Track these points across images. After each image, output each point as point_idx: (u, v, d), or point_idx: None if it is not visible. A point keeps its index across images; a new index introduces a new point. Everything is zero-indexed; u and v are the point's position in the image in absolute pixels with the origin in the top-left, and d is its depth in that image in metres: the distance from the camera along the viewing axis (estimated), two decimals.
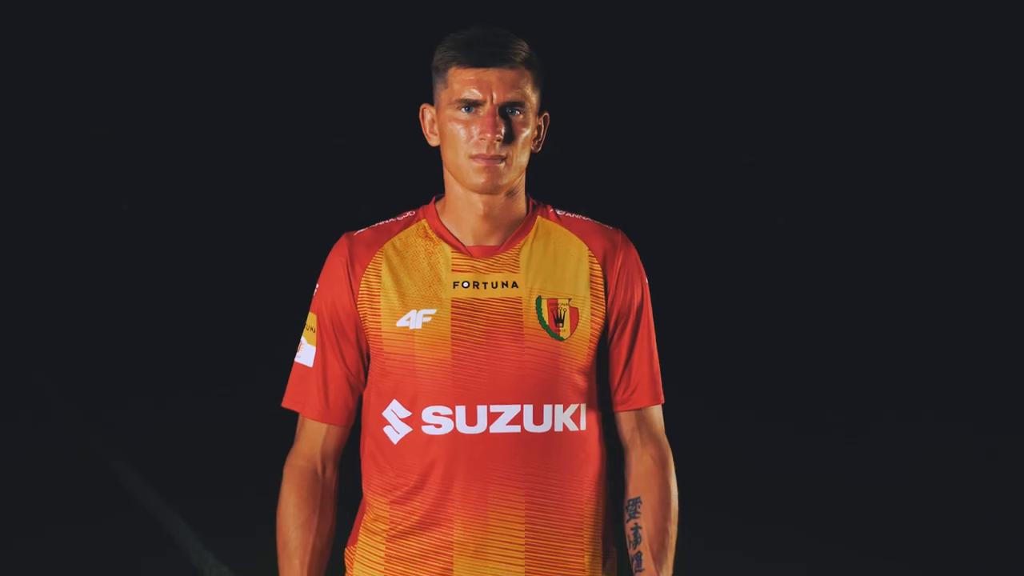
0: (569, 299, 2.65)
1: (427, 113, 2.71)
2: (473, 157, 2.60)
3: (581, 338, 2.64)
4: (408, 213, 2.74)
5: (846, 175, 28.13)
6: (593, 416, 2.68)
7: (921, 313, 22.98)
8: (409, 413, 2.61)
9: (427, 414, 2.59)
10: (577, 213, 2.77)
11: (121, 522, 9.42)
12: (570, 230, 2.71)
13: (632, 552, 2.69)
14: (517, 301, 2.62)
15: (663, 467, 2.72)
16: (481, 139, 2.59)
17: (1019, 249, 25.54)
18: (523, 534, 2.60)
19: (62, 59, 27.99)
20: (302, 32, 28.32)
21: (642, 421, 2.72)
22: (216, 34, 28.04)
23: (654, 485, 2.70)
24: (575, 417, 2.64)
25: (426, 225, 2.70)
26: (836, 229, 27.75)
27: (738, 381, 16.81)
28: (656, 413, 2.74)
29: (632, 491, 2.71)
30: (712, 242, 27.26)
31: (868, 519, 8.88)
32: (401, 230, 2.70)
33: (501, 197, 2.65)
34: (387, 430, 2.63)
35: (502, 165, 2.60)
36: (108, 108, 29.20)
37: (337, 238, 2.72)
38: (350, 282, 2.66)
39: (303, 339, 2.72)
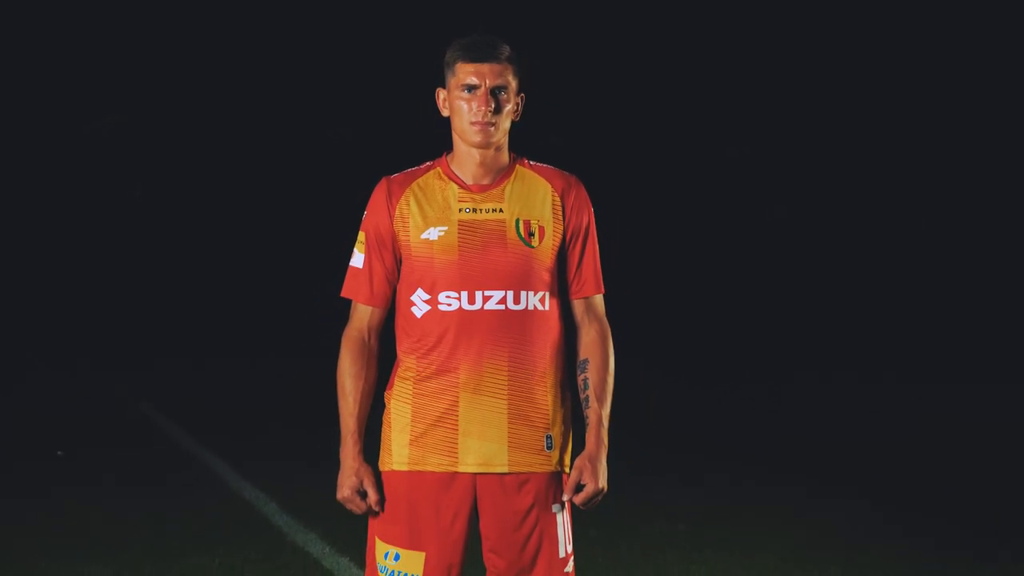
0: (538, 220, 3.87)
1: (440, 94, 3.92)
2: (473, 123, 3.82)
3: (546, 247, 3.86)
4: (428, 163, 3.96)
5: (817, 164, 28.87)
6: (555, 302, 3.90)
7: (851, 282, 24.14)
8: (429, 296, 3.83)
9: (441, 297, 3.81)
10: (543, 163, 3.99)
11: (155, 451, 10.69)
12: (538, 174, 3.94)
13: (583, 396, 3.91)
14: (502, 221, 3.84)
15: (604, 338, 3.94)
16: (478, 111, 3.81)
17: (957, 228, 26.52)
18: (506, 379, 3.81)
19: (75, 48, 28.56)
20: (311, 24, 29.00)
21: (589, 306, 3.95)
22: (229, 22, 28.67)
23: (597, 351, 3.92)
24: (542, 301, 3.86)
25: (440, 171, 3.92)
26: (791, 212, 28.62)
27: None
28: (599, 300, 3.96)
29: (582, 354, 3.93)
30: (684, 225, 28.20)
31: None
32: (423, 174, 3.93)
33: (491, 151, 3.87)
34: (413, 308, 3.85)
35: (492, 128, 3.83)
36: (121, 97, 29.80)
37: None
38: (389, 209, 3.88)
39: (355, 250, 3.93)
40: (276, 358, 18.46)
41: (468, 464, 3.80)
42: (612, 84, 29.21)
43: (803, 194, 28.84)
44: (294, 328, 21.64)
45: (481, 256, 3.82)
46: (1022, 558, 7.45)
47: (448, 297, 3.81)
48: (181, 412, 13.14)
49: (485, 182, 3.89)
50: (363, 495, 3.85)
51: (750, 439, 12.18)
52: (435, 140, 4.32)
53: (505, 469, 3.81)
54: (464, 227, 3.84)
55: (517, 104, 3.90)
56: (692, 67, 28.76)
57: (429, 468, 3.81)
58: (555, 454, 3.87)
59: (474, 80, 3.82)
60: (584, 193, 3.95)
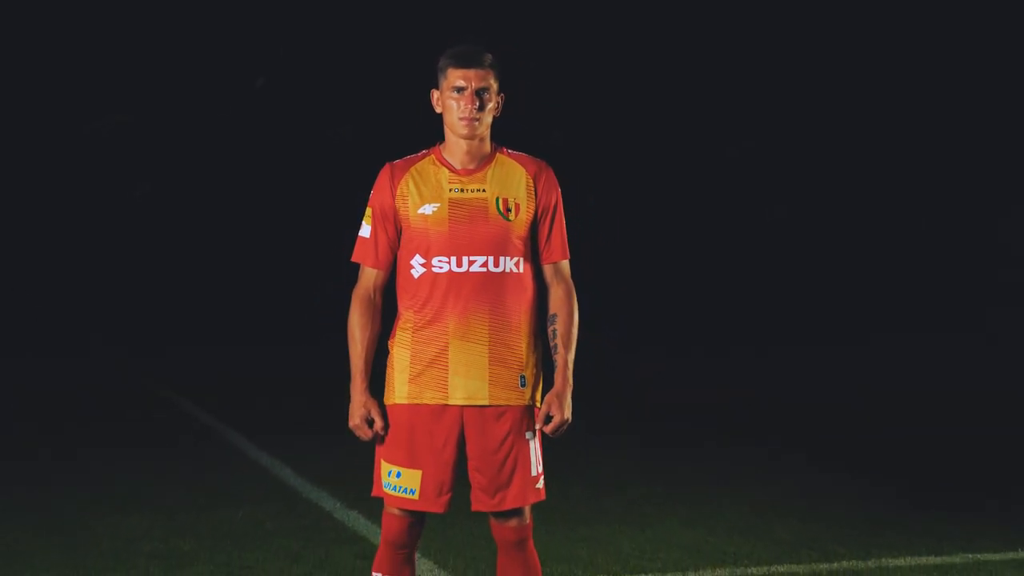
0: (514, 198, 4.69)
1: (435, 94, 4.74)
2: (461, 119, 4.64)
3: (521, 220, 4.68)
4: (424, 151, 4.78)
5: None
6: (528, 265, 4.72)
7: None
8: (424, 260, 4.65)
9: (435, 261, 4.63)
10: (520, 151, 4.82)
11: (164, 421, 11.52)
12: (515, 161, 4.76)
13: (552, 344, 4.73)
14: (485, 199, 4.67)
15: (569, 296, 4.76)
16: (466, 108, 4.63)
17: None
18: (487, 328, 4.63)
19: (79, 49, 29.05)
20: (314, 26, 29.61)
21: (557, 269, 4.77)
22: (234, 23, 29.22)
23: (564, 306, 4.75)
24: (517, 265, 4.68)
25: (434, 158, 4.75)
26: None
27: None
28: (565, 264, 4.78)
29: (551, 309, 4.75)
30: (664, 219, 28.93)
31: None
32: (420, 160, 4.75)
33: (476, 141, 4.69)
34: (411, 271, 4.67)
35: (477, 123, 4.65)
36: (127, 98, 30.36)
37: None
38: (392, 189, 4.70)
39: (363, 222, 4.74)
40: (277, 347, 19.35)
41: (456, 398, 4.63)
42: (612, 83, 29.81)
43: (803, 192, 29.44)
44: (293, 323, 22.57)
45: (467, 227, 4.64)
46: (970, 513, 8.25)
47: (440, 261, 4.64)
48: (194, 394, 13.96)
49: (471, 167, 4.72)
50: (370, 424, 4.68)
51: (726, 411, 13.04)
52: (430, 135, 5.13)
53: (486, 402, 4.64)
54: (453, 204, 4.66)
55: (498, 103, 4.73)
56: (693, 65, 29.30)
57: (425, 401, 4.64)
58: (528, 391, 4.69)
59: (462, 83, 4.64)
60: (553, 176, 4.78)
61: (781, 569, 6.94)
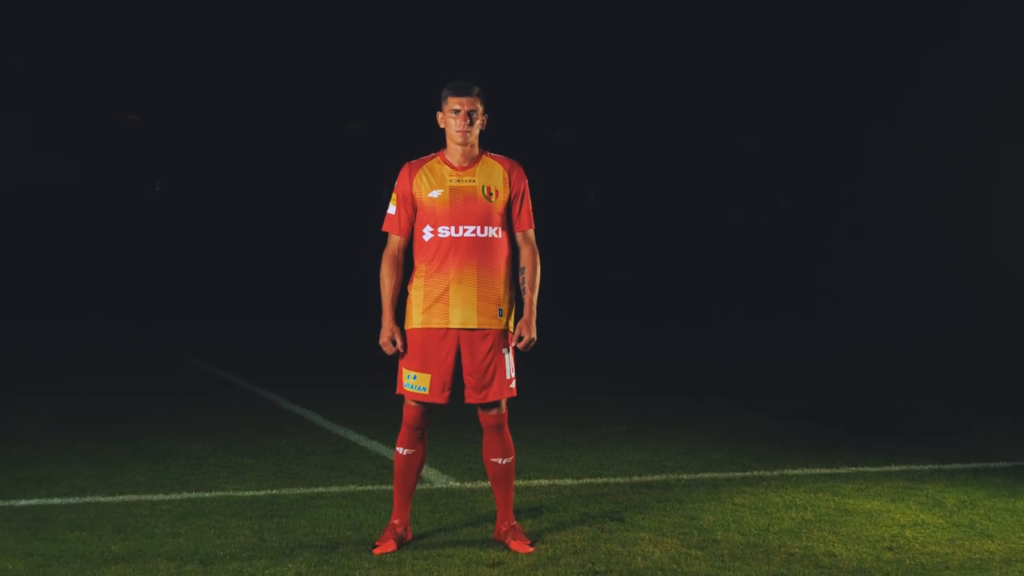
0: (495, 186, 6.77)
1: (439, 115, 6.82)
2: (457, 131, 6.73)
3: (500, 201, 6.76)
4: (432, 154, 6.86)
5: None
6: (505, 233, 6.80)
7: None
8: (433, 229, 6.73)
9: (440, 229, 6.71)
10: (502, 154, 6.89)
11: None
12: (496, 161, 6.84)
13: (522, 288, 6.81)
14: (475, 187, 6.74)
15: (534, 254, 6.84)
16: (460, 125, 6.72)
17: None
18: (476, 276, 6.70)
19: (94, 52, 30.57)
20: (327, 29, 31.20)
21: (525, 235, 6.85)
22: (244, 23, 30.76)
23: (530, 261, 6.83)
24: (497, 232, 6.75)
25: (439, 158, 6.83)
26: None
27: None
28: (531, 232, 6.86)
29: (521, 263, 6.83)
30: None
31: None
32: (429, 160, 6.83)
33: (468, 147, 6.78)
34: (424, 236, 6.75)
35: (468, 135, 6.73)
36: (142, 96, 31.90)
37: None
38: (410, 180, 6.77)
39: (390, 204, 6.81)
40: (300, 322, 21.53)
41: (455, 323, 6.71)
42: (610, 84, 31.37)
43: (803, 186, 31.03)
44: (300, 304, 24.81)
45: (462, 206, 6.72)
46: (862, 450, 10.31)
47: (444, 229, 6.71)
48: (231, 362, 16.04)
49: (465, 165, 6.80)
50: (394, 343, 6.75)
51: (676, 373, 15.05)
52: (434, 141, 7.20)
53: (475, 326, 6.71)
54: (453, 190, 6.74)
55: (483, 121, 6.80)
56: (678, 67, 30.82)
57: (433, 326, 6.72)
58: (504, 319, 6.77)
59: (457, 107, 6.73)
60: (522, 171, 6.86)
61: (705, 476, 9.01)
